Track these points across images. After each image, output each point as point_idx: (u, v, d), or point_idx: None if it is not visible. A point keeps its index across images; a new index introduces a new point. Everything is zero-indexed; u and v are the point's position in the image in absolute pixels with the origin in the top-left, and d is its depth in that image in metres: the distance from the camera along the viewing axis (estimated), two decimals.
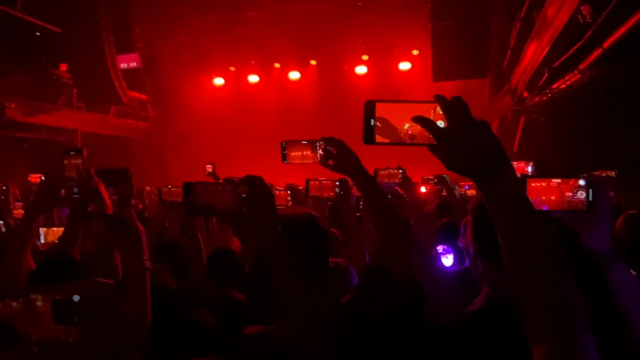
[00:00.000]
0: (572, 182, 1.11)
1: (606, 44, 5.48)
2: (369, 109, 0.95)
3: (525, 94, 8.74)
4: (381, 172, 2.83)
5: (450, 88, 13.33)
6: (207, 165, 6.26)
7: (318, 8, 12.61)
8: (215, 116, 15.01)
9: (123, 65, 12.02)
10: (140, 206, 4.69)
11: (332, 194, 2.15)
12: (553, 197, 1.11)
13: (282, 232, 1.32)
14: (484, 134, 0.84)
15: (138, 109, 13.81)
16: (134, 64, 12.18)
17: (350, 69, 15.15)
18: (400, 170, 2.83)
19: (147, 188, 6.40)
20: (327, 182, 2.18)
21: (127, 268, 1.44)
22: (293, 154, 1.77)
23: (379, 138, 0.95)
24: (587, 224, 1.09)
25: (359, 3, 12.63)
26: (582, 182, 1.11)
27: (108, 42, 10.81)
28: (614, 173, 3.95)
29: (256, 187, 1.31)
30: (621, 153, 7.69)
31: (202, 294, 2.04)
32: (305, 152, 1.74)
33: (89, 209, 1.87)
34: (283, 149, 1.79)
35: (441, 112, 0.89)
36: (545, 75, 7.26)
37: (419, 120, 0.88)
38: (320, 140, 1.65)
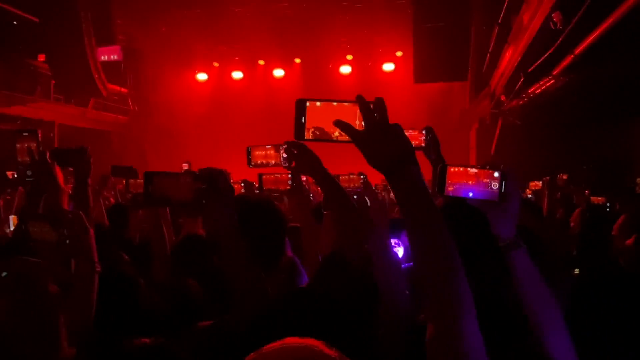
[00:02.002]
0: (488, 172, 1.17)
1: (577, 50, 5.63)
2: (300, 107, 1.02)
3: (503, 98, 8.92)
4: (342, 177, 2.95)
5: (432, 90, 13.50)
6: (183, 164, 6.22)
7: (303, 6, 12.62)
8: (197, 112, 14.88)
9: (103, 58, 11.82)
10: (112, 200, 4.62)
11: (286, 187, 2.19)
12: (471, 184, 1.17)
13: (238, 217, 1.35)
14: (394, 136, 0.94)
15: (118, 102, 13.60)
16: (115, 56, 11.99)
17: (334, 69, 15.20)
18: (362, 176, 2.95)
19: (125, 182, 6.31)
20: (281, 175, 2.21)
21: (76, 269, 1.44)
22: (257, 157, 1.85)
23: (308, 135, 1.02)
24: (497, 213, 1.16)
25: (344, 3, 12.67)
26: (496, 174, 1.16)
27: (88, 33, 10.62)
28: (566, 176, 4.18)
29: (215, 180, 1.33)
30: (593, 155, 7.90)
31: (158, 284, 2.03)
32: (269, 156, 1.83)
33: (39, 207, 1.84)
34: (248, 153, 1.88)
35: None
36: (521, 80, 7.42)
37: (337, 124, 0.97)
38: (283, 144, 1.75)
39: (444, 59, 10.27)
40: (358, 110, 0.97)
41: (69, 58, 10.55)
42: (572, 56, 5.75)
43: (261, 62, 15.20)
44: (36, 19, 10.48)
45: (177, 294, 1.86)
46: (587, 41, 5.30)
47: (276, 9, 12.55)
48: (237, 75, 15.38)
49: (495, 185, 1.16)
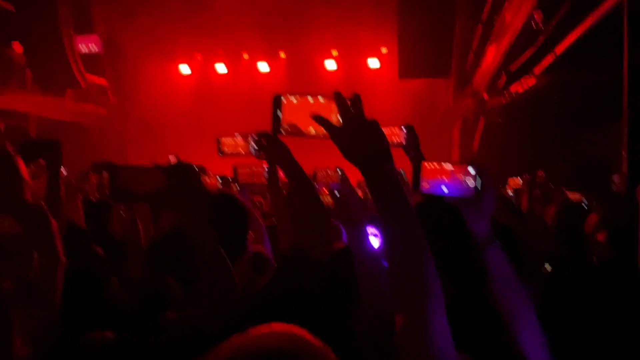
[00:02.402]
0: (463, 168, 1.16)
1: (558, 50, 5.71)
2: (276, 102, 1.03)
3: (486, 96, 9.00)
4: (320, 173, 2.96)
5: (416, 87, 13.57)
6: (170, 156, 6.11)
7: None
8: (180, 105, 14.64)
9: (82, 47, 11.51)
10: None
11: (263, 180, 2.16)
12: (446, 180, 1.17)
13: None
14: (371, 132, 0.96)
15: (97, 94, 13.29)
16: (94, 47, 11.70)
17: (319, 64, 15.11)
18: (339, 171, 2.94)
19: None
20: (257, 168, 2.18)
21: (39, 263, 1.40)
22: (227, 146, 1.84)
23: (285, 130, 1.03)
24: (472, 209, 1.17)
25: None
26: (471, 170, 1.15)
27: (65, 23, 10.32)
28: (542, 172, 4.33)
29: (185, 174, 1.31)
30: (573, 154, 8.05)
31: (132, 280, 1.98)
32: (239, 145, 1.82)
33: None
34: (218, 142, 1.90)
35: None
36: (504, 79, 7.50)
37: (316, 118, 0.98)
38: (253, 133, 1.75)
39: (428, 56, 10.33)
40: (335, 106, 0.98)
41: (46, 47, 10.25)
42: (553, 55, 5.83)
43: (245, 56, 15.03)
44: (11, 8, 10.13)
45: (149, 292, 1.82)
46: (567, 41, 5.38)
47: (261, 1, 12.42)
48: (221, 68, 15.17)
49: (470, 181, 1.15)
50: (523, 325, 1.14)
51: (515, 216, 3.11)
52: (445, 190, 1.16)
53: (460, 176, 1.15)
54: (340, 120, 0.97)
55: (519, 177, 4.48)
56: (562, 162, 7.69)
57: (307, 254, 1.52)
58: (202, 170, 3.18)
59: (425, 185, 1.17)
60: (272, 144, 1.65)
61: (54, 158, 1.83)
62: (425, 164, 1.17)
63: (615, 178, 4.75)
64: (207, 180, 2.71)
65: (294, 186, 1.68)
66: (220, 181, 2.83)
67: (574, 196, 5.41)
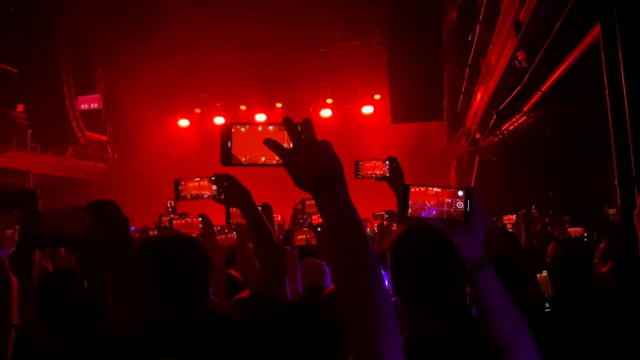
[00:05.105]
0: (452, 191, 1.14)
1: (544, 87, 5.85)
2: (226, 132, 1.01)
3: (478, 136, 9.14)
4: (308, 202, 2.92)
5: (411, 131, 13.81)
6: (169, 201, 6.04)
7: (283, 53, 13.01)
8: (179, 157, 14.82)
9: (84, 107, 11.84)
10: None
11: (199, 231, 2.15)
12: (434, 204, 1.14)
13: (147, 257, 1.30)
14: (322, 153, 0.93)
15: (97, 150, 13.51)
16: (95, 105, 12.03)
17: (315, 112, 15.48)
18: None
19: None
20: (192, 220, 2.18)
21: None
22: (190, 189, 1.81)
23: (235, 160, 1.00)
24: (463, 233, 1.13)
25: (322, 50, 13.13)
26: (460, 193, 1.13)
27: (67, 83, 10.68)
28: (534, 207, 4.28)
29: (105, 212, 1.27)
30: (568, 188, 8.04)
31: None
32: (202, 187, 1.79)
33: None
34: (176, 185, 1.83)
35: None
36: (494, 118, 7.64)
37: (267, 143, 0.95)
38: (213, 176, 1.74)
39: (420, 100, 10.58)
40: (285, 134, 0.96)
41: (47, 107, 10.53)
42: (540, 93, 5.98)
43: (243, 108, 15.43)
44: (15, 70, 10.53)
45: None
46: (552, 78, 5.53)
47: (257, 56, 12.91)
48: (219, 120, 15.53)
49: (460, 205, 1.13)
50: (521, 353, 1.08)
51: (516, 249, 3.05)
52: (432, 213, 1.13)
53: (449, 200, 1.13)
54: (291, 145, 0.95)
55: (514, 215, 4.43)
56: (557, 195, 7.67)
57: (267, 298, 1.48)
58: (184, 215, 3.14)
59: (412, 210, 1.14)
60: (232, 185, 1.65)
61: (28, 209, 1.73)
62: (413, 188, 1.14)
63: (611, 210, 4.72)
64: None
65: (252, 229, 1.66)
66: (202, 220, 2.81)
67: (574, 230, 5.34)
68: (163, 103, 14.49)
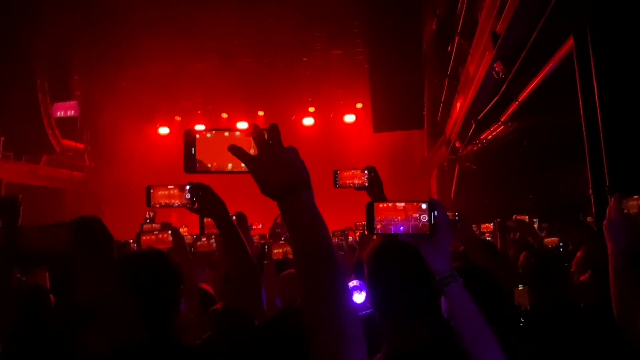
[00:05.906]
0: (416, 205, 1.14)
1: (521, 97, 5.98)
2: (189, 138, 0.97)
3: (458, 144, 9.26)
4: None
5: (392, 140, 13.93)
6: (148, 211, 5.91)
7: (265, 62, 13.00)
8: (159, 166, 14.58)
9: (59, 114, 11.56)
10: None
11: (170, 245, 2.10)
12: (400, 219, 1.13)
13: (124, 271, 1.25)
14: (288, 159, 0.91)
15: (73, 158, 13.19)
16: (72, 112, 11.76)
17: (297, 120, 15.49)
18: None
19: None
20: (162, 235, 2.13)
21: None
22: (160, 197, 1.74)
23: (200, 167, 0.97)
24: (429, 247, 1.13)
25: (304, 59, 13.16)
26: (424, 206, 1.13)
27: (42, 90, 10.43)
28: (527, 217, 4.35)
29: (90, 230, 1.23)
30: (545, 195, 8.20)
31: None
32: (172, 196, 1.73)
33: None
34: (148, 192, 1.76)
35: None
36: (473, 127, 7.76)
37: (231, 149, 0.92)
38: (187, 185, 1.69)
39: (401, 109, 10.70)
40: (252, 140, 0.94)
41: (21, 114, 10.26)
42: (517, 103, 6.10)
43: (224, 115, 15.32)
44: None
45: None
46: (528, 89, 5.65)
47: (239, 64, 12.86)
48: (200, 128, 15.36)
49: (424, 218, 1.13)
50: None
51: (494, 258, 3.06)
52: (399, 228, 1.13)
53: (414, 213, 1.13)
54: (257, 151, 0.92)
55: (491, 224, 4.47)
56: (534, 203, 7.81)
57: (239, 313, 1.44)
58: (168, 226, 3.06)
59: (379, 226, 1.13)
60: (208, 195, 1.61)
61: (10, 217, 1.70)
62: (378, 205, 1.14)
63: (589, 218, 4.81)
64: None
65: (225, 243, 1.62)
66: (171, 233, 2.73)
67: (550, 241, 5.42)
68: (143, 110, 14.28)
